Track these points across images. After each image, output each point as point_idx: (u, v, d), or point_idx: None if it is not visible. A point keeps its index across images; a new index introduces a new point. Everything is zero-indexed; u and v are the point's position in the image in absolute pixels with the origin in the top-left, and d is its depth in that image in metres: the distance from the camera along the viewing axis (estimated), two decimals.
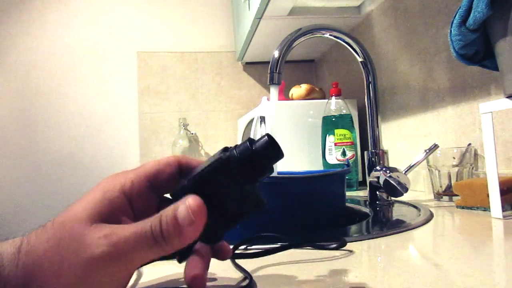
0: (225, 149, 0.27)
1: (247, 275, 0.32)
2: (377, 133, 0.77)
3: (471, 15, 0.51)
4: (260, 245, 0.41)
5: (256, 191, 0.29)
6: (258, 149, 0.27)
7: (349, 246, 0.42)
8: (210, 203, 0.25)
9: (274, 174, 0.61)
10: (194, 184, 0.27)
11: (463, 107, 0.79)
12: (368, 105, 0.78)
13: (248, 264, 0.35)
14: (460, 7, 0.52)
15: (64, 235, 0.24)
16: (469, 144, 0.74)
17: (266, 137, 0.27)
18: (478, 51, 0.55)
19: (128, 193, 0.27)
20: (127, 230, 0.24)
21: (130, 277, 0.27)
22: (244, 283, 0.30)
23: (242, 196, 0.28)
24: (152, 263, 0.26)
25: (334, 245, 0.39)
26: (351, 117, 1.08)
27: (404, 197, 0.72)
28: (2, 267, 0.23)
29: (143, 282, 0.33)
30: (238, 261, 0.35)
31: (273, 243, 0.41)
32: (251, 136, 1.25)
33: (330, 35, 0.75)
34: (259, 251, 0.38)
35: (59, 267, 0.24)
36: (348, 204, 0.73)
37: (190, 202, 0.25)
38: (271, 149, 0.27)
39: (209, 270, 0.29)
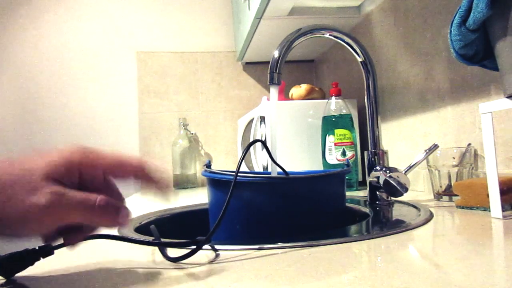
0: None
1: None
2: (377, 133, 0.77)
3: (471, 15, 0.51)
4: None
5: None
6: None
7: (349, 246, 0.42)
8: None
9: (274, 174, 0.61)
10: None
11: (463, 107, 0.79)
12: (368, 105, 0.78)
13: (246, 262, 0.35)
14: (460, 7, 0.52)
15: (25, 178, 0.30)
16: (469, 144, 0.74)
17: None
18: (478, 51, 0.55)
19: (82, 168, 0.34)
20: (76, 194, 0.31)
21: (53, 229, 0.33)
22: None
23: None
24: None
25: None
26: (351, 117, 1.08)
27: (404, 197, 0.72)
28: None
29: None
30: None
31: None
32: (251, 136, 1.25)
33: (330, 35, 0.75)
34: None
35: (8, 197, 0.29)
36: (348, 204, 0.73)
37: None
38: None
39: None
